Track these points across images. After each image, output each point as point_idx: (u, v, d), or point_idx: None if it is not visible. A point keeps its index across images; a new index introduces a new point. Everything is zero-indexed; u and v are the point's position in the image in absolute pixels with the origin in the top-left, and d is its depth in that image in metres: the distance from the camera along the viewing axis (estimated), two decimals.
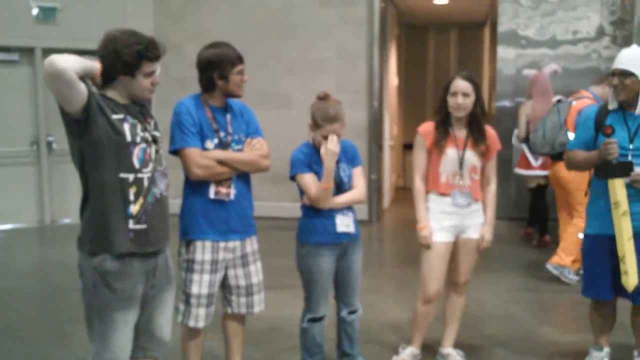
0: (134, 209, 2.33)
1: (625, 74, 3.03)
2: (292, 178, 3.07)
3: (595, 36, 7.41)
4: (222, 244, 2.84)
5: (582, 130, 3.25)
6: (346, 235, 3.06)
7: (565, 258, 4.97)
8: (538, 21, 7.54)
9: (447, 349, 3.46)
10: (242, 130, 2.92)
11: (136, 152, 2.34)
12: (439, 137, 3.19)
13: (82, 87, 2.20)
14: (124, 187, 2.31)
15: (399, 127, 10.56)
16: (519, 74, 7.59)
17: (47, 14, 7.30)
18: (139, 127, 2.37)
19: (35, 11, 7.24)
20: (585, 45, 7.45)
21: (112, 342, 2.35)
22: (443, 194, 3.21)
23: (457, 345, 3.51)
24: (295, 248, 3.13)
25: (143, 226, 2.35)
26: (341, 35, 7.62)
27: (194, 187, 2.83)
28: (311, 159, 3.01)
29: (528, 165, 6.18)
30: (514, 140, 6.37)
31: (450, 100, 3.15)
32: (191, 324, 2.85)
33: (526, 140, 6.05)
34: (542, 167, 6.01)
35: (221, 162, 2.79)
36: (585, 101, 4.95)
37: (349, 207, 3.10)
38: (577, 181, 4.40)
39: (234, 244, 2.88)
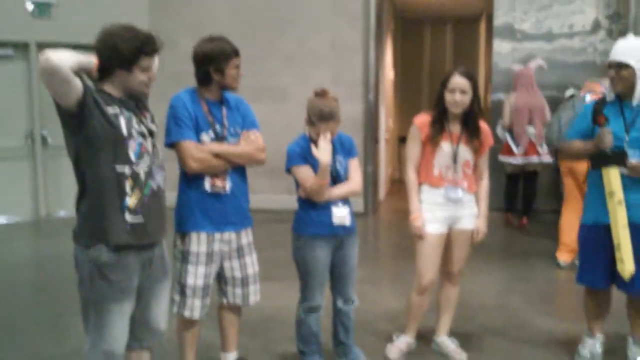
0: (130, 201, 2.35)
1: (621, 65, 3.04)
2: (288, 171, 3.08)
3: (591, 30, 7.43)
4: (217, 236, 2.86)
5: (580, 121, 3.28)
6: (342, 227, 3.08)
7: None
8: (534, 15, 7.55)
9: (442, 338, 3.50)
10: (238, 123, 2.93)
11: (132, 146, 2.35)
12: (434, 133, 3.21)
13: (77, 83, 2.20)
14: (120, 180, 2.32)
15: (395, 120, 10.58)
16: (515, 67, 7.59)
17: (42, 8, 7.29)
18: (134, 120, 2.38)
19: (30, 6, 7.22)
20: (581, 38, 7.47)
21: (108, 333, 2.37)
22: (436, 186, 3.23)
23: (451, 334, 3.54)
24: (292, 240, 3.15)
25: (140, 219, 2.37)
26: (337, 29, 7.62)
27: (190, 180, 2.85)
28: (307, 151, 3.02)
29: (510, 153, 6.66)
30: (499, 130, 6.72)
31: (448, 97, 3.16)
32: (186, 314, 2.88)
33: (510, 129, 6.63)
34: (524, 154, 6.55)
35: (217, 155, 2.81)
36: (598, 95, 4.98)
37: (345, 199, 3.12)
38: None
39: (230, 235, 2.90)
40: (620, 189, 3.00)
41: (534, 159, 6.63)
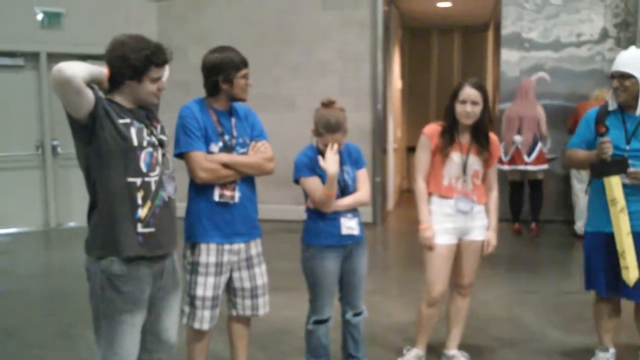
0: (142, 212, 2.35)
1: (624, 76, 3.06)
2: (296, 181, 3.08)
3: (599, 38, 7.40)
4: (226, 247, 2.85)
5: (583, 129, 3.28)
6: (351, 237, 3.07)
7: None
8: (542, 24, 7.53)
9: (452, 351, 3.46)
10: (247, 133, 2.93)
11: (143, 156, 2.35)
12: (444, 144, 3.19)
13: (89, 94, 2.22)
14: (131, 191, 2.33)
15: (403, 130, 10.57)
16: (522, 76, 7.58)
17: (52, 19, 7.35)
18: (145, 131, 2.38)
19: (40, 16, 7.27)
20: (589, 47, 7.44)
21: (119, 345, 2.36)
22: (445, 197, 3.22)
23: (461, 347, 3.51)
24: (300, 250, 3.14)
25: (151, 230, 2.37)
26: (344, 38, 7.63)
27: (199, 190, 2.85)
28: (315, 162, 3.01)
29: (500, 161, 6.65)
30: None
31: (459, 108, 3.15)
32: (196, 326, 2.86)
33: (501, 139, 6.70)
34: (510, 162, 6.72)
35: (226, 166, 2.80)
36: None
37: (353, 210, 3.11)
38: None
39: (239, 246, 2.89)
40: (622, 197, 3.01)
41: (520, 167, 6.72)
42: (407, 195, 10.22)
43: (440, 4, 9.11)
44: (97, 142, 2.28)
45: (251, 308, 2.98)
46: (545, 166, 6.75)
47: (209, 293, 2.84)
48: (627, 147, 3.06)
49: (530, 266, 5.77)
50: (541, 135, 6.68)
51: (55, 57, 6.84)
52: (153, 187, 2.37)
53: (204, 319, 2.86)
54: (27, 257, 6.37)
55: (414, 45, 11.36)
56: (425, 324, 3.40)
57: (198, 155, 2.77)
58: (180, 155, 2.81)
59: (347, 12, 7.60)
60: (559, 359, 3.59)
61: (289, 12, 7.71)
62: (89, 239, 2.39)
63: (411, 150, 10.24)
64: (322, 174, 2.98)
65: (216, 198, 2.82)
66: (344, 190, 3.06)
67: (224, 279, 2.89)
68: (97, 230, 2.36)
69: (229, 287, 2.96)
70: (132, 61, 2.28)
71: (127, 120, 2.34)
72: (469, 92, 3.12)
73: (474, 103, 3.12)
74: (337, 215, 3.04)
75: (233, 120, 2.90)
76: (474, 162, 3.21)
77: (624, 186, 3.03)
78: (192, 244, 2.86)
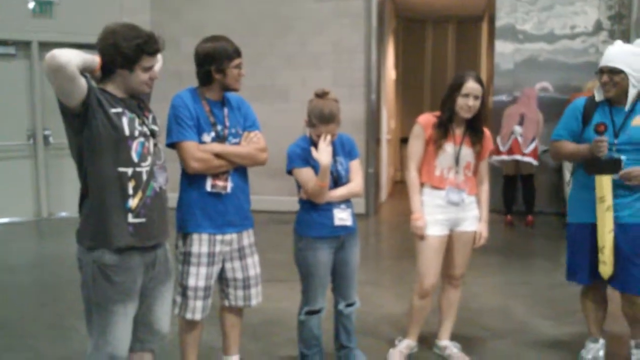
0: (132, 202, 2.33)
1: (614, 71, 3.06)
2: (289, 172, 3.07)
3: (593, 31, 7.42)
4: (218, 237, 2.85)
5: (569, 120, 3.26)
6: (344, 228, 3.07)
7: None
8: (536, 15, 7.54)
9: (444, 342, 3.48)
10: (240, 123, 2.92)
11: (134, 146, 2.34)
12: (438, 135, 3.19)
13: (82, 81, 2.20)
14: (122, 181, 2.31)
15: (397, 121, 10.57)
16: (516, 68, 7.60)
17: (44, 7, 7.29)
18: (137, 121, 2.37)
19: (31, 5, 7.21)
20: (582, 39, 7.46)
21: (111, 335, 2.36)
22: (437, 187, 3.22)
23: (453, 337, 3.53)
24: (293, 241, 3.14)
25: (142, 220, 2.36)
26: (338, 29, 7.61)
27: (191, 180, 2.84)
28: (308, 153, 3.00)
29: (497, 152, 6.84)
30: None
31: (461, 101, 3.14)
32: (188, 316, 2.86)
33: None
34: (508, 152, 6.80)
35: (218, 156, 2.79)
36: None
37: (346, 201, 3.11)
38: None
39: (231, 236, 2.89)
40: (611, 196, 3.05)
41: (517, 157, 6.78)
42: (400, 186, 10.24)
43: None
44: (89, 131, 2.26)
45: (243, 298, 2.98)
46: (536, 162, 6.85)
47: (201, 283, 2.83)
48: (616, 141, 3.07)
49: (522, 258, 5.80)
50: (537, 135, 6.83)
51: (47, 46, 6.79)
52: (144, 177, 2.36)
53: (196, 310, 2.85)
54: (19, 247, 6.35)
55: (408, 37, 11.35)
56: (417, 315, 3.41)
57: (190, 145, 2.75)
58: (172, 145, 2.80)
59: (341, 3, 7.57)
60: (549, 350, 3.62)
61: (283, 3, 7.68)
62: (80, 229, 2.38)
63: (405, 141, 10.24)
64: (315, 165, 2.97)
65: (208, 188, 2.81)
66: (337, 181, 3.06)
67: (216, 269, 2.88)
68: (87, 220, 2.35)
69: (222, 278, 2.95)
70: (124, 50, 2.26)
71: (119, 110, 2.32)
72: (472, 85, 3.12)
73: (476, 97, 3.13)
74: (330, 206, 3.04)
75: (226, 110, 2.88)
76: (467, 154, 3.22)
77: (613, 181, 3.06)
78: (184, 234, 2.86)
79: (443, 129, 3.19)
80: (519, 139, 6.73)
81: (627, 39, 6.77)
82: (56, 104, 2.27)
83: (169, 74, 6.68)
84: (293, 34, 7.67)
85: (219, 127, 2.84)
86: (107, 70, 2.32)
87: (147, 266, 2.43)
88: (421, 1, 9.70)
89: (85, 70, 2.23)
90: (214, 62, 2.78)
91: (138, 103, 2.43)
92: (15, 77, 7.31)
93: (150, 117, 2.47)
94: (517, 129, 6.72)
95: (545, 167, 7.32)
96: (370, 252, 6.08)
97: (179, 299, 2.86)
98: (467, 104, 3.12)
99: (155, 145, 2.43)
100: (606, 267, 3.08)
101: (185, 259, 2.84)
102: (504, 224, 7.04)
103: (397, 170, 10.91)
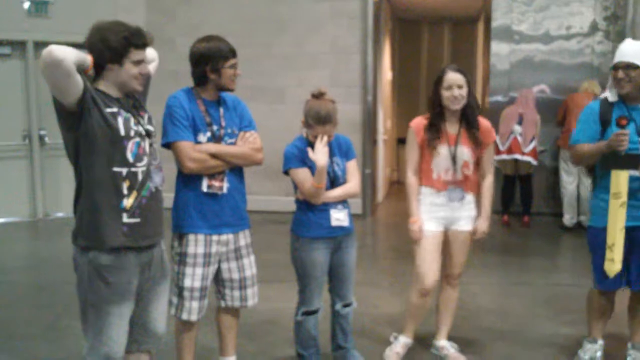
0: (127, 202, 2.32)
1: (630, 66, 3.03)
2: (286, 173, 3.06)
3: (588, 31, 7.42)
4: (214, 238, 2.84)
5: (586, 124, 3.18)
6: (340, 229, 3.07)
7: None
8: (532, 16, 7.54)
9: (442, 342, 3.48)
10: (235, 123, 2.91)
11: (130, 146, 2.33)
12: (430, 137, 3.18)
13: (78, 78, 2.19)
14: (116, 181, 2.30)
15: (393, 122, 10.56)
16: (512, 69, 7.60)
17: (39, 7, 7.26)
18: (132, 120, 2.36)
19: (26, 4, 7.19)
20: (578, 40, 7.46)
21: (107, 336, 2.35)
22: (437, 190, 3.22)
23: (451, 338, 3.52)
24: (290, 242, 3.13)
25: (137, 220, 2.34)
26: (335, 30, 7.60)
27: (187, 180, 2.82)
28: (304, 153, 3.00)
29: (497, 152, 6.79)
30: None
31: (446, 94, 3.14)
32: (184, 317, 2.85)
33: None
34: (508, 151, 6.79)
35: (214, 156, 2.78)
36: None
37: (343, 201, 3.10)
38: None
39: (227, 237, 2.88)
40: (626, 192, 2.99)
41: (517, 155, 6.78)
42: (397, 187, 10.25)
43: None
44: (84, 131, 2.25)
45: (240, 299, 2.97)
46: (536, 162, 6.85)
47: (197, 284, 2.82)
48: (639, 139, 3.01)
49: (519, 258, 5.80)
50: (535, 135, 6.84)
51: (42, 46, 6.69)
52: (140, 177, 2.35)
53: (192, 310, 2.84)
54: (15, 247, 6.32)
55: (404, 37, 11.35)
56: (414, 313, 3.40)
57: (186, 145, 2.74)
58: (167, 145, 2.78)
59: (338, 4, 7.56)
60: (547, 350, 3.62)
61: (280, 3, 7.66)
62: (75, 229, 2.37)
63: (401, 141, 10.26)
64: (311, 166, 2.97)
65: (204, 189, 2.80)
66: (334, 181, 3.05)
67: (212, 269, 2.87)
68: (82, 220, 2.34)
69: (218, 278, 2.94)
70: (112, 43, 2.26)
71: (114, 110, 2.31)
72: (452, 76, 3.13)
73: (460, 86, 3.12)
74: (326, 206, 3.03)
75: (221, 110, 2.87)
76: (464, 153, 3.21)
77: (632, 178, 3.00)
78: (180, 234, 2.84)
79: (435, 130, 3.19)
80: (519, 138, 6.73)
81: (622, 39, 6.76)
82: (51, 104, 2.25)
83: (165, 74, 6.65)
84: (289, 34, 7.66)
85: (215, 127, 2.83)
86: (99, 67, 2.31)
87: (143, 266, 2.42)
88: (417, 2, 9.70)
89: (79, 68, 2.22)
90: (209, 62, 2.77)
91: (133, 103, 2.42)
92: (10, 77, 7.27)
93: (146, 117, 2.46)
94: (517, 128, 6.73)
95: (542, 168, 7.33)
96: (367, 253, 6.07)
97: (175, 299, 2.85)
98: (452, 95, 3.12)
99: (151, 145, 2.42)
100: (614, 265, 3.01)
101: (181, 259, 2.83)
102: (501, 224, 7.04)
103: (394, 170, 10.91)
